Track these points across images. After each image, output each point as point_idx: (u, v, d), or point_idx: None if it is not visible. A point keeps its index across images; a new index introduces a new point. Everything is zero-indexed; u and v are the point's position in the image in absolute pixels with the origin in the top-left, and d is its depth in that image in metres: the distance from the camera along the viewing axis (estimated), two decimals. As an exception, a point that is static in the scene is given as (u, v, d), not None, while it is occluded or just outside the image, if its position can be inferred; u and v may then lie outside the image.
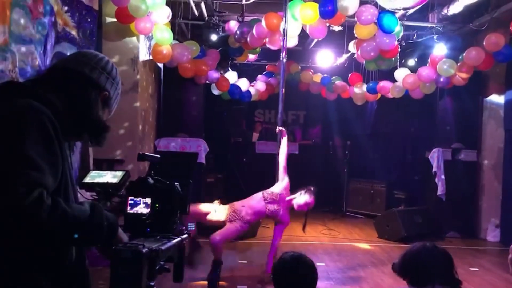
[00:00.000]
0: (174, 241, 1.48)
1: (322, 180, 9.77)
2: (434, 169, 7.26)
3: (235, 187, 9.29)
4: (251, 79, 8.65)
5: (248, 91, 8.38)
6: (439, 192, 7.17)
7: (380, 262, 5.63)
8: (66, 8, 4.30)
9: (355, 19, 5.65)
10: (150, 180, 1.56)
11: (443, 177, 7.18)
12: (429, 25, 6.91)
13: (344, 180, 9.03)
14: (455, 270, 2.06)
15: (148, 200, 1.52)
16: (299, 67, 8.88)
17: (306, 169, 9.03)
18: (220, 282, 4.72)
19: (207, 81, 7.55)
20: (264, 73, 8.96)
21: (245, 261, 5.49)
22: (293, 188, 4.85)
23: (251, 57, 7.91)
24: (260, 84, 8.62)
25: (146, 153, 1.62)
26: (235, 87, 8.11)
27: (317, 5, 5.52)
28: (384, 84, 7.79)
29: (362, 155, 9.28)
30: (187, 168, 1.97)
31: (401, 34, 6.30)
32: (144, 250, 1.31)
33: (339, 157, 9.61)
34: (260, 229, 6.89)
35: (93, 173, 1.65)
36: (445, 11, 6.39)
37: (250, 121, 10.46)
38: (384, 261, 5.68)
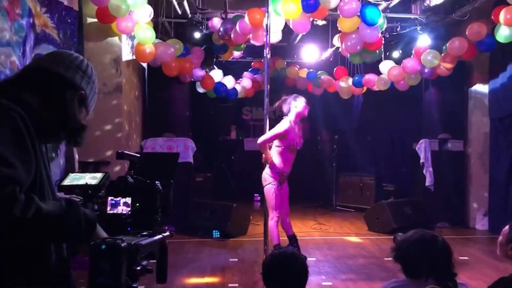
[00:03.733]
0: (156, 237, 1.45)
1: (311, 175, 9.80)
2: (421, 160, 7.30)
3: (225, 185, 9.27)
4: (237, 76, 8.62)
5: (234, 89, 8.34)
6: (427, 183, 7.22)
7: (371, 255, 5.64)
8: (44, 9, 4.23)
9: (338, 12, 5.65)
10: (130, 179, 1.53)
11: (430, 168, 7.22)
12: (412, 16, 6.94)
13: (333, 175, 9.04)
14: (452, 263, 2.02)
15: (128, 200, 1.49)
16: (285, 63, 8.86)
17: (295, 164, 8.98)
18: (211, 281, 4.70)
19: (192, 80, 7.50)
20: (250, 69, 8.93)
21: (236, 259, 5.47)
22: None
23: (236, 54, 7.87)
24: (246, 81, 8.59)
25: (125, 152, 1.59)
26: (220, 85, 8.06)
27: (299, -1, 5.51)
28: (369, 77, 7.81)
29: (350, 149, 9.30)
30: (168, 168, 1.93)
31: (385, 26, 6.30)
32: (123, 244, 1.28)
33: (327, 152, 9.62)
34: (251, 226, 6.88)
35: (72, 175, 1.63)
36: (427, 2, 6.41)
37: (238, 119, 10.43)
38: (375, 253, 5.70)
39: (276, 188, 4.73)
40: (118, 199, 1.50)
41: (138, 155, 1.67)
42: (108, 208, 1.50)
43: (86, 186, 1.56)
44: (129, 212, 1.49)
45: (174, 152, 6.44)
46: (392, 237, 2.17)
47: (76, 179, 1.62)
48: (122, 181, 1.54)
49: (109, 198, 1.51)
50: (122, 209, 1.50)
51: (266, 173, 4.78)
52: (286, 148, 4.72)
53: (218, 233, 6.40)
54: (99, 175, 1.60)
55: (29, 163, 1.33)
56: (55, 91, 1.51)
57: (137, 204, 1.49)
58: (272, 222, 4.74)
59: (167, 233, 1.51)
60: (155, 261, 1.51)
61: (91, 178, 1.59)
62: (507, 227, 2.20)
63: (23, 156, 1.30)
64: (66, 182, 1.63)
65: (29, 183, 1.32)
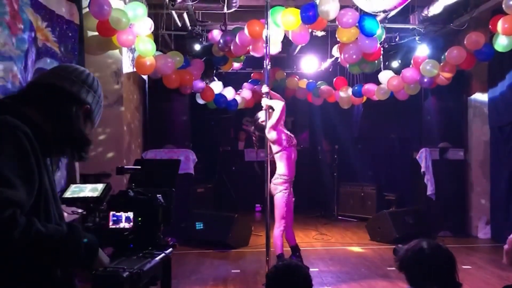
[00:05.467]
0: (158, 258, 1.44)
1: (312, 185, 9.80)
2: (422, 169, 7.29)
3: (226, 196, 9.26)
4: (237, 87, 8.65)
5: (234, 100, 8.37)
6: (428, 192, 7.20)
7: (373, 265, 5.62)
8: (46, 23, 4.26)
9: (337, 23, 5.69)
10: (131, 193, 1.53)
11: (432, 176, 7.22)
12: (410, 26, 6.98)
13: (334, 184, 9.03)
14: (456, 272, 2.00)
15: (130, 214, 1.48)
16: (285, 74, 8.91)
17: (296, 175, 9.00)
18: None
19: (192, 91, 7.53)
20: (249, 80, 8.96)
21: (238, 270, 5.44)
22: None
23: (236, 65, 7.91)
24: (246, 92, 8.61)
25: (125, 166, 1.59)
26: (220, 96, 8.09)
27: (298, 11, 5.55)
28: (369, 87, 7.83)
29: (350, 159, 9.30)
30: (169, 175, 1.93)
31: (383, 36, 6.35)
32: (124, 275, 1.27)
33: (328, 162, 9.62)
34: (253, 237, 6.85)
35: (73, 187, 1.62)
36: (425, 12, 6.46)
37: (238, 130, 10.45)
38: (377, 263, 5.67)
39: (288, 196, 4.75)
40: (119, 214, 1.50)
41: (139, 167, 1.67)
42: (110, 223, 1.50)
43: (88, 199, 1.56)
44: (132, 228, 1.48)
45: (175, 159, 6.46)
46: (393, 249, 2.16)
47: (77, 191, 1.62)
48: (123, 195, 1.54)
49: (111, 213, 1.51)
50: (124, 225, 1.49)
51: (277, 182, 4.78)
52: (287, 147, 4.77)
53: (201, 224, 6.50)
54: (100, 186, 1.60)
55: (32, 182, 1.33)
56: (61, 106, 1.52)
57: (139, 219, 1.49)
58: (278, 231, 4.74)
59: (170, 250, 1.50)
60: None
61: (92, 190, 1.59)
62: None
63: (26, 176, 1.31)
64: (68, 194, 1.63)
65: (30, 203, 1.32)
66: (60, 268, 1.44)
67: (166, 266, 1.47)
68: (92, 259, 1.37)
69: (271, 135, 4.75)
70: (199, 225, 6.52)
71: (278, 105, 4.75)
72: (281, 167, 4.80)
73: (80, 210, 1.55)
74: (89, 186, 1.59)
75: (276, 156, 4.83)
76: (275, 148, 4.83)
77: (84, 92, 1.56)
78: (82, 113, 1.56)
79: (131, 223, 1.50)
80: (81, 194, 1.58)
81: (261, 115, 4.95)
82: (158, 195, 1.52)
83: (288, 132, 4.96)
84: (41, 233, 1.26)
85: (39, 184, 1.36)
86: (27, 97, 1.50)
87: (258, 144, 5.06)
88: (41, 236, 1.26)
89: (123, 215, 1.50)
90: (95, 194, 1.55)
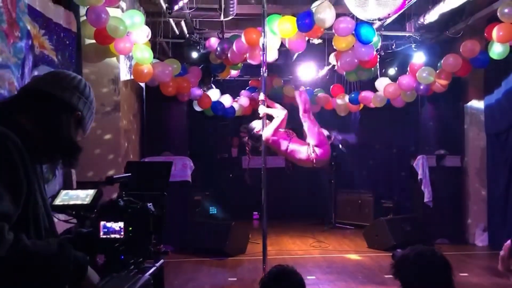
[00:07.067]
0: (148, 274, 1.42)
1: (310, 192, 9.78)
2: (419, 177, 7.29)
3: (223, 204, 9.23)
4: (235, 94, 8.67)
5: (231, 107, 8.38)
6: (426, 199, 7.20)
7: (371, 272, 5.60)
8: (43, 31, 4.27)
9: (333, 31, 5.72)
10: (121, 203, 1.51)
11: (429, 184, 7.22)
12: (406, 34, 7.02)
13: (332, 192, 9.02)
14: (452, 279, 1.99)
15: (121, 224, 1.47)
16: (282, 81, 8.93)
17: (294, 182, 9.01)
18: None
19: (190, 98, 7.54)
20: (247, 88, 8.98)
21: (235, 278, 5.42)
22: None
23: (234, 72, 7.93)
24: (243, 100, 8.63)
25: (114, 176, 1.58)
26: (218, 103, 8.11)
27: (294, 19, 5.58)
28: (365, 94, 7.85)
29: (348, 166, 9.30)
30: (161, 178, 1.92)
31: (380, 44, 6.39)
32: None
33: (325, 169, 9.60)
34: (250, 245, 6.83)
35: (63, 193, 1.60)
36: (421, 20, 6.49)
37: (234, 136, 10.45)
38: (375, 271, 5.66)
39: None
40: (110, 225, 1.47)
41: (129, 175, 1.66)
42: (101, 234, 1.48)
43: (79, 206, 1.55)
44: (122, 239, 1.46)
45: (167, 161, 6.45)
46: (392, 254, 2.16)
47: (68, 198, 1.60)
48: (113, 205, 1.52)
49: (101, 223, 1.49)
50: (115, 236, 1.47)
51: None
52: (289, 142, 4.83)
53: (215, 209, 6.53)
54: (91, 192, 1.58)
55: (19, 193, 1.31)
56: (52, 113, 1.50)
57: (130, 228, 1.47)
58: None
59: (161, 261, 1.47)
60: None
61: (83, 197, 1.57)
62: (509, 241, 2.18)
63: (13, 187, 1.29)
64: (57, 201, 1.60)
65: (17, 214, 1.30)
66: (49, 286, 1.42)
67: (158, 279, 1.45)
68: (81, 278, 1.35)
69: (270, 143, 4.76)
70: (212, 210, 6.53)
71: (280, 114, 4.77)
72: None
73: (70, 218, 1.53)
74: (79, 193, 1.58)
75: (289, 156, 4.89)
76: (281, 152, 4.86)
77: (76, 99, 1.54)
78: (73, 120, 1.55)
79: (122, 234, 1.48)
80: (71, 202, 1.56)
81: (256, 125, 4.96)
82: (148, 204, 1.51)
83: (283, 130, 4.98)
84: (28, 250, 1.24)
85: (28, 194, 1.35)
86: (18, 104, 1.49)
87: (251, 154, 5.08)
88: (28, 253, 1.24)
89: (114, 225, 1.48)
90: (85, 201, 1.54)
